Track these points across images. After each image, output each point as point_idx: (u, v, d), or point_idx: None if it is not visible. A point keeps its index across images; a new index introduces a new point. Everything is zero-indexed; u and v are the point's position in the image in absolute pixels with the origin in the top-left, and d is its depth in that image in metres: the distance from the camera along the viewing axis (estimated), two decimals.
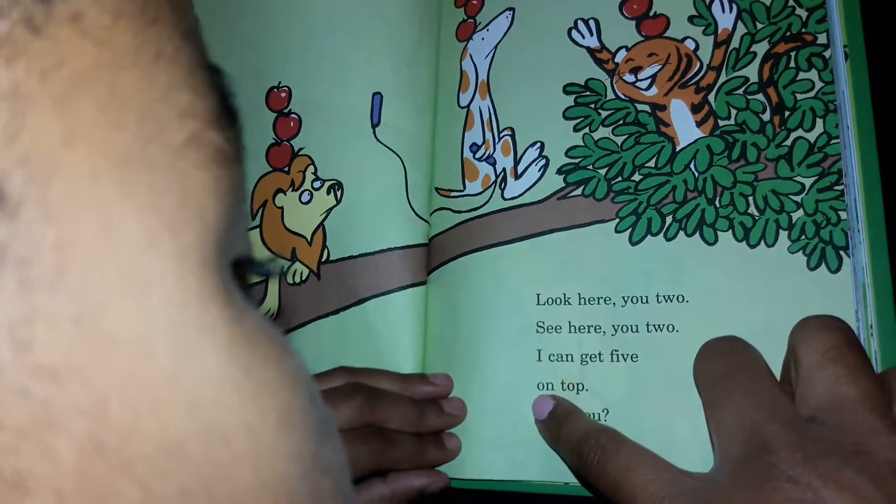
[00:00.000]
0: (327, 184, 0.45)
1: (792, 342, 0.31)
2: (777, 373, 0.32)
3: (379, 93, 0.45)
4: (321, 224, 0.45)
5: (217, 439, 0.12)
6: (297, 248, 0.46)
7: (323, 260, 0.45)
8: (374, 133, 0.45)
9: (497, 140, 0.42)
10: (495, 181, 0.42)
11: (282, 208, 0.46)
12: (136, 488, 0.11)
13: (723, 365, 0.32)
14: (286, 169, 0.47)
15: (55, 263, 0.10)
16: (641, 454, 0.31)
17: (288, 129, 0.47)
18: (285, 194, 0.46)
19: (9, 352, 0.10)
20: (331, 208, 0.45)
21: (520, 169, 0.41)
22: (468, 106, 0.44)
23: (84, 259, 0.11)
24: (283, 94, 0.47)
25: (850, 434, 0.27)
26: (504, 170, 0.42)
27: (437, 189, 0.44)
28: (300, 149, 0.47)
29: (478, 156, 0.43)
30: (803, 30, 0.38)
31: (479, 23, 0.45)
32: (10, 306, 0.10)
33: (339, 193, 0.45)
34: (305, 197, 0.46)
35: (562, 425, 0.35)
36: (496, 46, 0.44)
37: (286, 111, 0.47)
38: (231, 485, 0.12)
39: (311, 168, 0.46)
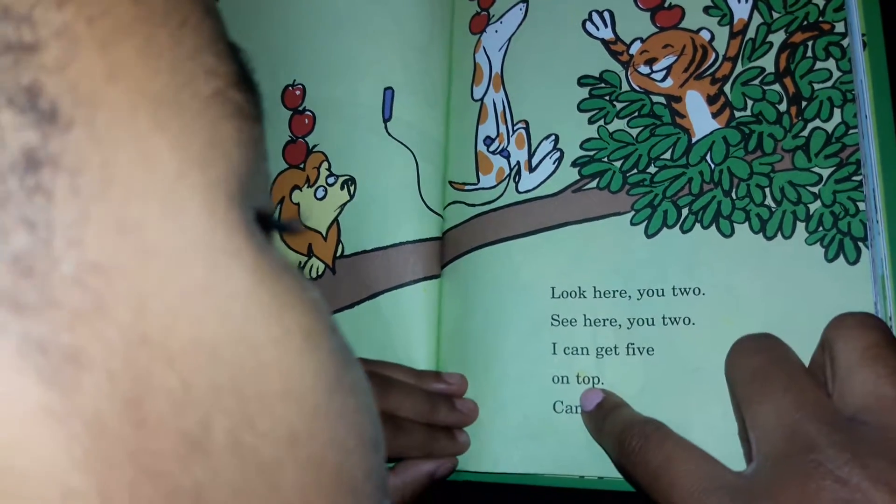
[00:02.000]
0: (341, 179, 0.46)
1: (827, 339, 0.30)
2: None
3: (390, 87, 0.45)
4: (335, 219, 0.45)
5: (246, 347, 0.14)
6: (313, 243, 0.46)
7: (338, 255, 0.45)
8: (386, 128, 0.45)
9: (511, 133, 0.42)
10: (509, 174, 0.42)
11: (298, 204, 0.47)
12: (177, 378, 0.12)
13: (759, 361, 0.31)
14: (301, 166, 0.47)
15: (101, 178, 0.12)
16: (685, 446, 0.30)
17: (303, 126, 0.47)
18: (301, 191, 0.47)
19: (64, 246, 0.12)
20: (344, 203, 0.45)
21: (534, 162, 0.41)
22: (482, 99, 0.44)
23: (125, 178, 0.12)
24: (297, 92, 0.48)
25: (895, 436, 0.26)
26: (518, 163, 0.42)
27: (450, 182, 0.44)
28: (314, 145, 0.47)
29: (492, 149, 0.43)
30: (820, 18, 0.38)
31: (493, 15, 0.44)
32: (64, 208, 0.12)
33: (352, 189, 0.45)
34: (320, 193, 0.46)
35: (608, 416, 0.35)
36: (510, 39, 0.44)
37: (301, 109, 0.48)
38: (260, 390, 0.14)
39: (326, 164, 0.46)
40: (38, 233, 0.11)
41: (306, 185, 0.47)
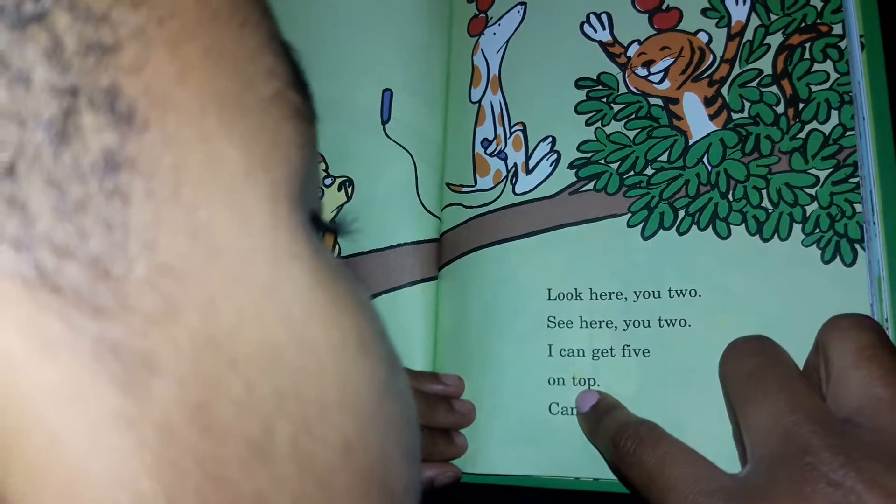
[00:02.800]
0: (338, 180, 0.46)
1: (822, 341, 0.30)
2: None
3: (389, 89, 0.46)
4: (333, 220, 0.46)
5: (307, 351, 0.14)
6: None
7: (335, 256, 0.45)
8: (384, 129, 0.45)
9: (508, 135, 0.42)
10: (506, 176, 0.42)
11: None
12: (241, 384, 0.13)
13: (753, 364, 0.31)
14: None
15: (172, 180, 0.12)
16: (680, 448, 0.30)
17: None
18: None
19: (139, 248, 0.12)
20: (342, 205, 0.46)
21: (531, 164, 0.41)
22: (480, 101, 0.44)
23: (195, 180, 0.12)
24: None
25: (890, 438, 0.26)
26: (515, 165, 0.42)
27: (448, 185, 0.44)
28: None
29: (489, 151, 0.43)
30: (818, 20, 0.38)
31: (491, 17, 0.45)
32: (139, 210, 0.12)
33: (349, 190, 0.45)
34: None
35: (602, 418, 0.35)
36: (508, 41, 0.44)
37: None
38: (318, 395, 0.14)
39: (323, 165, 0.46)
40: (115, 235, 0.11)
41: None
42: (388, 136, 0.45)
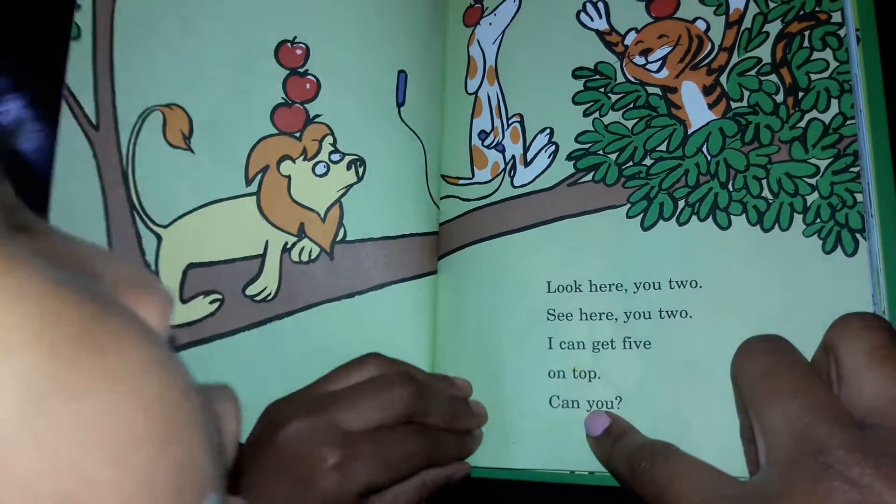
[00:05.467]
0: (348, 158, 0.43)
1: (831, 340, 0.29)
2: None
3: (403, 71, 0.43)
4: (338, 200, 0.43)
5: None
6: (306, 223, 0.42)
7: (337, 239, 0.42)
8: (399, 113, 0.43)
9: (506, 127, 0.42)
10: (504, 169, 0.41)
11: (288, 177, 0.43)
12: None
13: (767, 363, 0.30)
14: (298, 135, 0.43)
15: None
16: (690, 462, 0.30)
17: (303, 91, 0.43)
18: (294, 162, 0.42)
19: None
20: (350, 185, 0.42)
21: (529, 156, 0.41)
22: (476, 92, 0.43)
23: None
24: (298, 52, 0.43)
25: None
26: (513, 157, 0.41)
27: (443, 177, 0.44)
28: (317, 115, 0.43)
29: (486, 143, 0.42)
30: (817, 8, 0.37)
31: (487, 7, 0.44)
32: None
33: (360, 170, 0.42)
34: (321, 169, 0.42)
35: (617, 442, 0.34)
36: (504, 31, 0.43)
37: (302, 70, 0.43)
38: None
39: (330, 138, 0.43)
40: None
41: (302, 158, 0.43)
42: (402, 121, 0.43)
